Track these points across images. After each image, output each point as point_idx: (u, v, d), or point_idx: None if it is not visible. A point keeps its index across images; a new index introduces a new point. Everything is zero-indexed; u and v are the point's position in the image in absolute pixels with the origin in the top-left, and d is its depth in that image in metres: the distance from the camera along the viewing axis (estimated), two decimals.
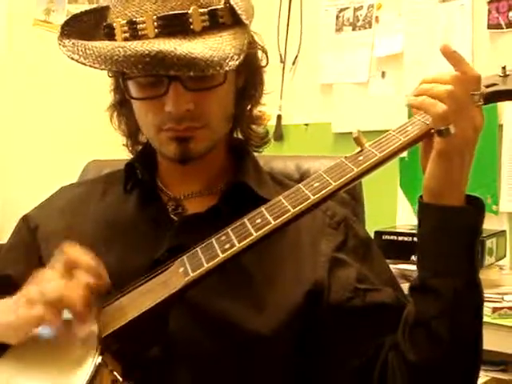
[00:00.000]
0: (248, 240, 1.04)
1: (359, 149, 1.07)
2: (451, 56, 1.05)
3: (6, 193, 2.93)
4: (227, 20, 1.16)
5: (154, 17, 1.12)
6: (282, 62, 3.15)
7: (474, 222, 1.09)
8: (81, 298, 1.01)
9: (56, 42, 1.18)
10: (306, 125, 3.11)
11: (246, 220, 1.07)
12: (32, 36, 3.02)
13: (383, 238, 2.37)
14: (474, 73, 1.05)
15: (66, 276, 1.04)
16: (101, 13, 1.22)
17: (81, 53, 1.13)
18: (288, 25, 3.15)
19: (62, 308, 1.00)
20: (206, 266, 1.04)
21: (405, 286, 1.23)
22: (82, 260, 1.05)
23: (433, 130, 1.04)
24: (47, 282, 1.03)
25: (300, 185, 1.08)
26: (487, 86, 1.08)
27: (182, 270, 1.06)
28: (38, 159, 2.98)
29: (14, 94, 2.98)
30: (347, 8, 2.98)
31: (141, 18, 1.12)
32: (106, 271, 1.06)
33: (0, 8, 2.96)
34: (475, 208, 1.08)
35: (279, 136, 3.15)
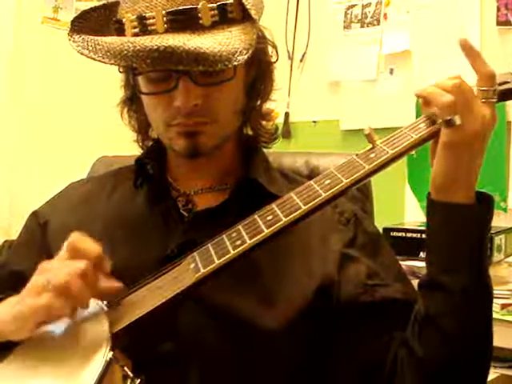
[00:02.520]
0: (259, 237, 1.04)
1: (370, 146, 1.07)
2: (468, 51, 1.05)
3: (16, 189, 2.94)
4: (236, 15, 1.15)
5: (164, 12, 1.12)
6: (290, 59, 3.14)
7: (482, 220, 1.08)
8: (81, 276, 1.00)
9: (65, 39, 1.18)
10: (314, 122, 3.11)
11: (256, 217, 1.06)
12: (40, 33, 3.02)
13: (391, 234, 2.37)
14: (488, 69, 1.05)
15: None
16: (110, 8, 1.22)
17: (90, 48, 1.13)
18: (296, 22, 3.15)
19: (68, 294, 1.00)
20: (216, 262, 1.04)
21: (413, 283, 1.23)
22: (83, 243, 1.05)
23: (439, 121, 1.04)
24: (53, 269, 1.03)
25: (311, 182, 1.08)
26: (500, 84, 1.08)
27: (192, 266, 1.06)
28: (48, 155, 2.99)
29: (23, 91, 2.98)
30: (355, 5, 2.98)
31: (150, 14, 1.12)
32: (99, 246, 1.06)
33: (8, 6, 2.97)
34: (483, 205, 1.07)
35: (287, 133, 3.14)
